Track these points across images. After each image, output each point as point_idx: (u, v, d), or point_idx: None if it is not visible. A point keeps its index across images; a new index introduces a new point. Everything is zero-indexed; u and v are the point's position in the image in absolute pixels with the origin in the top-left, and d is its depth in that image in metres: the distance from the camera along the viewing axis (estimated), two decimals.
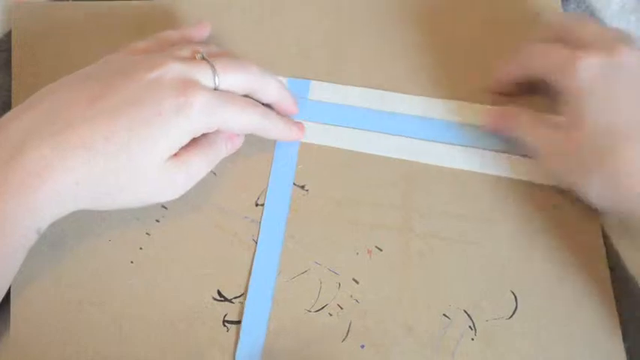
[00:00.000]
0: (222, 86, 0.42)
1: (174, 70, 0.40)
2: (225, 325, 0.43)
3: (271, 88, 0.45)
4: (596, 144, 0.41)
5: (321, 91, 0.49)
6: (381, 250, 0.45)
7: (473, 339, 0.43)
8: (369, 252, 0.45)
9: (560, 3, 0.53)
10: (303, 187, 0.47)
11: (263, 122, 0.44)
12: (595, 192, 0.42)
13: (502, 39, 0.50)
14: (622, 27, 0.54)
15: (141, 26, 0.49)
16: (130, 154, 0.39)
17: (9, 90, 0.47)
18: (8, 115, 0.39)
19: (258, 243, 0.45)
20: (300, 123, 0.48)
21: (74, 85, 0.40)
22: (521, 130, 0.45)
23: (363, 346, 0.43)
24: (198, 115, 0.40)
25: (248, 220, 0.45)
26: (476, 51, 0.50)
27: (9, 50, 0.48)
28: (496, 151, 0.47)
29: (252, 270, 0.44)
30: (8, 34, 0.49)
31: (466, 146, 0.48)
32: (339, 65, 0.50)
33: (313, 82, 0.49)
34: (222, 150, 0.44)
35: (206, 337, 0.43)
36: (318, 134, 0.48)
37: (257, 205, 0.46)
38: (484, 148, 0.48)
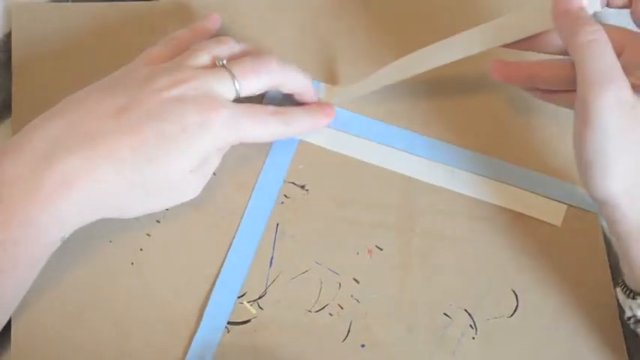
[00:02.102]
0: (244, 92, 0.43)
1: (195, 85, 0.41)
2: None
3: (292, 81, 0.45)
4: None
5: (332, 95, 0.49)
6: (381, 249, 0.45)
7: (474, 338, 0.43)
8: (370, 252, 0.45)
9: None
10: (303, 187, 0.47)
11: (285, 129, 0.44)
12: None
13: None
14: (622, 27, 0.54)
15: (142, 27, 0.49)
16: (156, 167, 0.39)
17: (9, 91, 0.47)
18: (33, 123, 0.39)
19: (236, 233, 0.45)
20: (327, 104, 0.48)
21: (99, 96, 0.40)
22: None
23: (363, 346, 0.43)
24: (220, 131, 0.41)
25: None
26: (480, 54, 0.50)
27: (9, 51, 0.48)
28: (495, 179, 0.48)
29: (226, 259, 0.44)
30: (8, 35, 0.49)
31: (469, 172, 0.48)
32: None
33: (323, 85, 0.49)
34: None
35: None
36: (321, 137, 0.48)
37: None
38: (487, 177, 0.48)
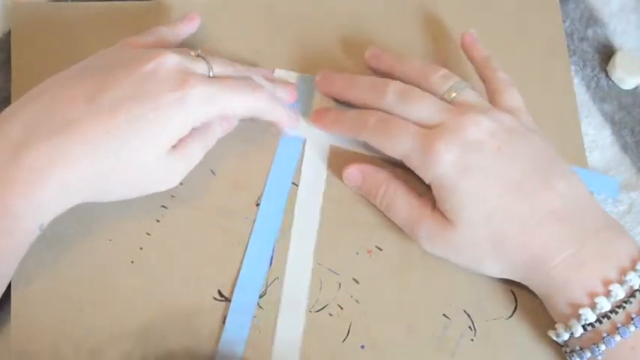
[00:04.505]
0: (216, 73, 0.43)
1: (169, 61, 0.41)
2: (225, 325, 0.43)
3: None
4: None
5: None
6: (381, 250, 0.45)
7: (473, 339, 0.43)
8: (370, 252, 0.45)
9: (558, 3, 0.53)
10: None
11: (263, 105, 0.44)
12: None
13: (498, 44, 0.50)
14: (621, 26, 0.54)
15: (140, 26, 0.49)
16: (132, 149, 0.39)
17: (8, 89, 0.47)
18: (6, 111, 0.39)
19: (249, 242, 0.45)
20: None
21: (71, 80, 0.40)
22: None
23: (363, 346, 0.43)
24: (197, 107, 0.41)
25: (249, 220, 0.45)
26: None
27: (8, 50, 0.48)
28: None
29: (242, 268, 0.44)
30: (8, 34, 0.49)
31: None
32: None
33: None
34: (218, 131, 0.44)
35: (206, 336, 0.43)
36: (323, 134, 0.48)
37: (257, 205, 0.46)
38: None
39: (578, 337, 0.39)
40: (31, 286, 0.42)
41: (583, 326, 0.39)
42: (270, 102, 0.44)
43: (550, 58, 0.52)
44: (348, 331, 0.43)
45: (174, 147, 0.41)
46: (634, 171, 0.50)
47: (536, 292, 0.42)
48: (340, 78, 0.47)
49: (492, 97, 0.45)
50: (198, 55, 0.43)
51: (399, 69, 0.46)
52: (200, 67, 0.42)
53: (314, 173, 0.47)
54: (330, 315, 0.44)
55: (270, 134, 0.47)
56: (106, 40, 0.48)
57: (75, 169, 0.38)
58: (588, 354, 0.39)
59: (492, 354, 0.43)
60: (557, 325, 0.41)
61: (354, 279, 0.44)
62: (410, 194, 0.44)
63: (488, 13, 0.52)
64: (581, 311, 0.39)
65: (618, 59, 0.52)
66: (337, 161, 0.47)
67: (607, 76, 0.52)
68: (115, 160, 0.39)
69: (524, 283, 0.42)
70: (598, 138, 0.51)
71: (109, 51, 0.43)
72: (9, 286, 0.42)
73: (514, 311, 0.44)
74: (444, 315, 0.44)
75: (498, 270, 0.41)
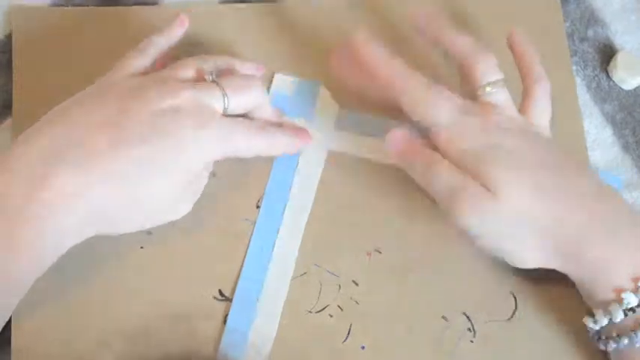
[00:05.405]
0: (232, 107, 0.43)
1: (187, 97, 0.41)
2: (225, 325, 0.43)
3: (267, 106, 0.46)
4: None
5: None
6: (380, 252, 0.45)
7: (472, 341, 0.44)
8: (369, 254, 0.45)
9: (560, 3, 0.53)
10: None
11: (267, 148, 0.45)
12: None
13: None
14: (622, 27, 0.54)
15: (142, 31, 0.49)
16: (152, 183, 0.40)
17: (9, 92, 0.47)
18: (23, 138, 0.39)
19: (250, 242, 0.45)
20: (304, 130, 0.47)
21: (89, 107, 0.40)
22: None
23: (363, 347, 0.43)
24: (213, 145, 0.41)
25: (249, 222, 0.45)
26: None
27: (10, 52, 0.48)
28: None
29: (242, 269, 0.44)
30: (9, 36, 0.49)
31: None
32: None
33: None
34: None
35: (207, 336, 0.43)
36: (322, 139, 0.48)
37: (257, 207, 0.46)
38: None
39: (616, 324, 0.39)
40: (31, 286, 0.43)
41: (624, 311, 0.39)
42: (285, 143, 0.45)
43: (551, 59, 0.51)
44: (349, 332, 0.44)
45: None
46: (635, 171, 0.50)
47: (574, 278, 0.41)
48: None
49: (523, 107, 0.44)
50: (213, 81, 0.43)
51: (450, 38, 0.44)
52: (217, 99, 0.42)
53: (307, 179, 0.47)
54: (331, 316, 0.44)
55: None
56: (106, 45, 0.48)
57: (96, 201, 0.38)
58: (626, 340, 0.39)
59: (491, 356, 0.43)
60: (595, 311, 0.40)
61: (354, 281, 0.45)
62: (450, 163, 0.41)
63: (489, 13, 0.52)
64: (623, 295, 0.38)
65: (619, 60, 0.52)
66: (337, 163, 0.47)
67: (608, 76, 0.52)
68: (135, 193, 0.39)
69: (561, 269, 0.40)
70: (599, 137, 0.51)
71: (119, 78, 0.42)
72: None
73: (513, 313, 0.44)
74: (442, 317, 0.44)
75: (537, 256, 0.40)
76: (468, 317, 0.44)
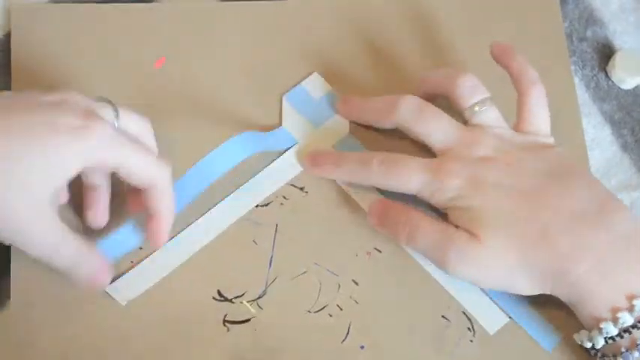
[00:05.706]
0: (122, 125, 0.39)
1: (76, 98, 0.38)
2: (225, 325, 0.43)
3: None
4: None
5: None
6: (380, 251, 0.45)
7: (472, 340, 0.44)
8: (369, 254, 0.45)
9: (558, 3, 0.53)
10: (302, 188, 0.47)
11: (163, 182, 0.40)
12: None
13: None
14: (621, 27, 0.54)
15: (142, 28, 0.49)
16: (23, 178, 0.36)
17: (8, 90, 0.47)
18: None
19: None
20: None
21: None
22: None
23: (362, 347, 0.43)
24: (98, 144, 0.36)
25: (249, 222, 0.45)
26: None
27: (8, 51, 0.48)
28: None
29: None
30: (8, 35, 0.49)
31: None
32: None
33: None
34: None
35: (206, 337, 0.43)
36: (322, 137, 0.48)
37: (257, 206, 0.46)
38: None
39: (612, 344, 0.39)
40: (31, 285, 0.42)
41: (605, 339, 0.39)
42: (168, 186, 0.41)
43: (550, 58, 0.52)
44: (348, 332, 0.44)
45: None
46: (634, 170, 0.50)
47: (566, 303, 0.41)
48: (355, 100, 0.47)
49: (519, 114, 0.44)
50: (101, 98, 0.40)
51: (422, 80, 0.46)
52: (106, 111, 0.39)
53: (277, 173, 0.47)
54: (330, 316, 0.44)
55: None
56: (105, 43, 0.48)
57: None
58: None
59: (491, 356, 0.43)
60: (581, 332, 0.41)
61: (354, 280, 0.45)
62: (431, 218, 0.43)
63: (488, 14, 0.52)
64: (602, 325, 0.38)
65: (618, 59, 0.52)
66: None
67: (607, 76, 0.52)
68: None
69: (555, 295, 0.41)
70: (598, 137, 0.51)
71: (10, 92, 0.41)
72: (8, 288, 0.42)
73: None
74: (443, 316, 0.44)
75: (529, 285, 0.40)
76: (467, 317, 0.44)
